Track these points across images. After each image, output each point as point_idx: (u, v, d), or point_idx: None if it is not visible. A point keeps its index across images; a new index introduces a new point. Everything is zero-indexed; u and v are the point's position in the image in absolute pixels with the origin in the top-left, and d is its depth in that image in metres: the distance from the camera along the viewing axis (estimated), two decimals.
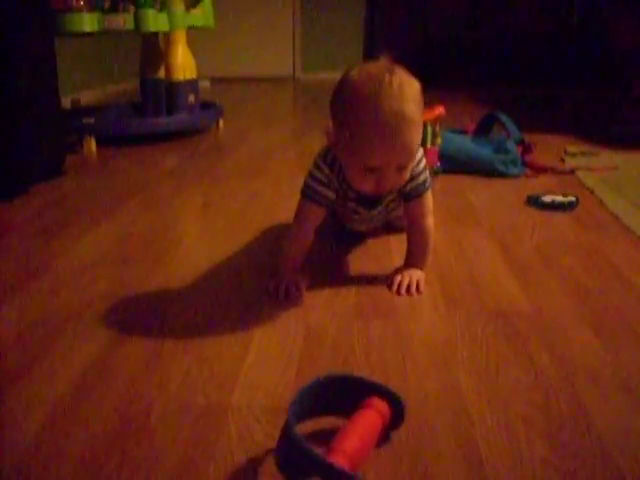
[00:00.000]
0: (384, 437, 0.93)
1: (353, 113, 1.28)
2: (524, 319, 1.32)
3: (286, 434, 0.84)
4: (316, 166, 1.46)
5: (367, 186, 1.35)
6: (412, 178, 1.43)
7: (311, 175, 1.46)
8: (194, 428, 0.98)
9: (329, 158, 1.44)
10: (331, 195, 1.47)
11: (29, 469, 0.89)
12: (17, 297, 1.44)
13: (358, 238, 1.76)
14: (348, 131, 1.29)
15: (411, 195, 1.47)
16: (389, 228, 1.78)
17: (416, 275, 1.47)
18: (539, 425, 0.97)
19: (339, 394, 0.96)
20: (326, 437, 0.88)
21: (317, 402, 0.94)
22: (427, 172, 1.47)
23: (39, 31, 2.32)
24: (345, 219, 1.66)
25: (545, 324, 1.30)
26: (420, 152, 1.43)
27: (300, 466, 0.80)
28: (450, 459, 0.90)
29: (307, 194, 1.47)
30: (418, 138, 1.30)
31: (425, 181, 1.46)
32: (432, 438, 0.94)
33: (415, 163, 1.41)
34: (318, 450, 0.80)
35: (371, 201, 1.52)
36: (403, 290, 1.45)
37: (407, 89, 1.27)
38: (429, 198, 1.49)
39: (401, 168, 1.32)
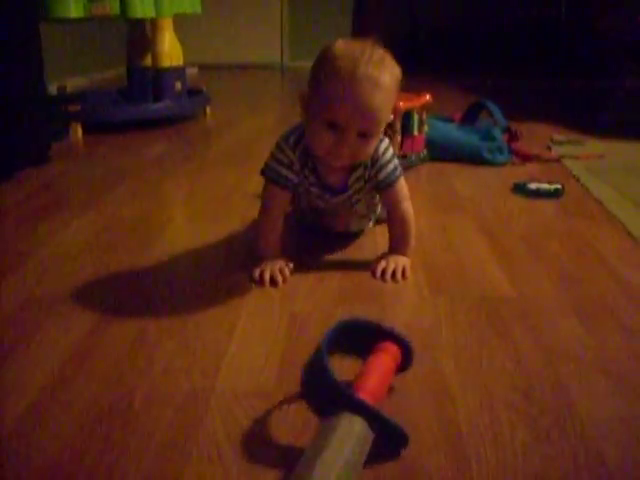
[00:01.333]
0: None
1: (329, 68, 1.31)
2: (508, 305, 1.32)
3: (320, 366, 0.92)
4: (278, 147, 1.46)
5: (323, 144, 1.33)
6: (381, 168, 1.45)
7: (273, 156, 1.47)
8: (177, 413, 0.98)
9: (292, 139, 1.45)
10: (292, 177, 1.47)
11: (12, 454, 0.89)
12: (2, 283, 1.43)
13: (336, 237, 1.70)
14: (320, 86, 1.32)
15: (383, 184, 1.48)
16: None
17: (401, 261, 1.48)
18: (521, 410, 0.98)
19: (357, 336, 1.04)
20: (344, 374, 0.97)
21: (340, 341, 1.02)
22: (396, 161, 1.48)
23: (23, 17, 2.30)
24: (311, 207, 1.62)
25: (529, 310, 1.30)
26: (386, 142, 1.46)
27: (329, 399, 0.88)
28: (432, 443, 0.90)
29: (269, 175, 1.48)
30: (386, 109, 1.32)
31: (395, 169, 1.47)
32: (415, 423, 0.95)
33: (381, 153, 1.44)
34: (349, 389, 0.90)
35: (335, 188, 1.51)
36: (388, 276, 1.45)
37: (386, 63, 1.31)
38: (402, 185, 1.49)
39: (363, 135, 1.32)
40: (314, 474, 0.76)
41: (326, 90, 1.30)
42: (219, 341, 1.18)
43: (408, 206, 1.51)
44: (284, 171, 1.46)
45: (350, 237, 1.68)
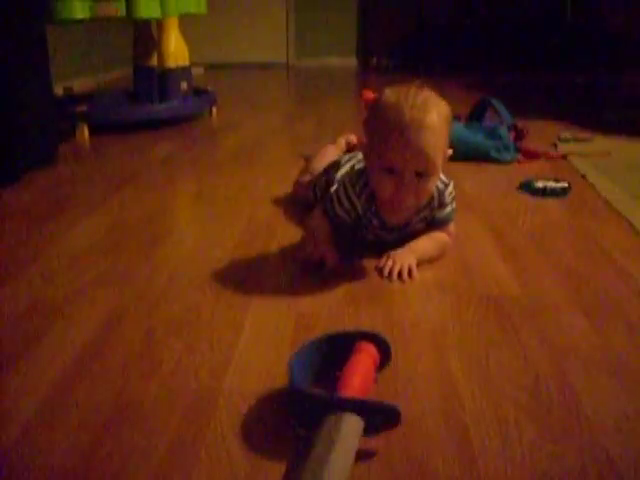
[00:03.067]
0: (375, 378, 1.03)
1: (379, 119, 1.40)
2: (515, 303, 1.33)
3: (293, 390, 0.96)
4: (344, 190, 1.53)
5: (387, 190, 1.41)
6: (441, 205, 1.53)
7: (337, 196, 1.54)
8: (186, 413, 0.98)
9: (359, 186, 1.51)
10: (346, 218, 1.55)
11: (22, 455, 0.89)
12: (9, 285, 1.44)
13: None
14: (375, 136, 1.41)
15: (437, 222, 1.56)
16: None
17: (407, 260, 1.48)
18: (528, 408, 0.98)
19: (333, 350, 1.06)
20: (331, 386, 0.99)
21: (315, 361, 1.05)
22: (454, 204, 1.56)
23: (29, 19, 2.31)
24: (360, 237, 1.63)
25: (536, 308, 1.31)
26: (451, 186, 1.54)
27: (315, 411, 0.91)
28: (440, 442, 0.91)
29: (328, 211, 1.56)
30: (437, 147, 1.37)
31: (452, 212, 1.56)
32: (422, 421, 0.95)
33: (443, 188, 1.52)
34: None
35: (394, 228, 1.56)
36: (394, 275, 1.45)
37: (431, 103, 1.37)
38: (452, 226, 1.59)
39: (420, 175, 1.38)
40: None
41: (379, 140, 1.39)
42: (227, 341, 1.19)
43: (448, 239, 1.58)
44: (342, 214, 1.54)
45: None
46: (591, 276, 1.46)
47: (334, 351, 1.06)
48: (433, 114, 1.35)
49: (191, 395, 1.02)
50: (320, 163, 1.96)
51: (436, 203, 1.52)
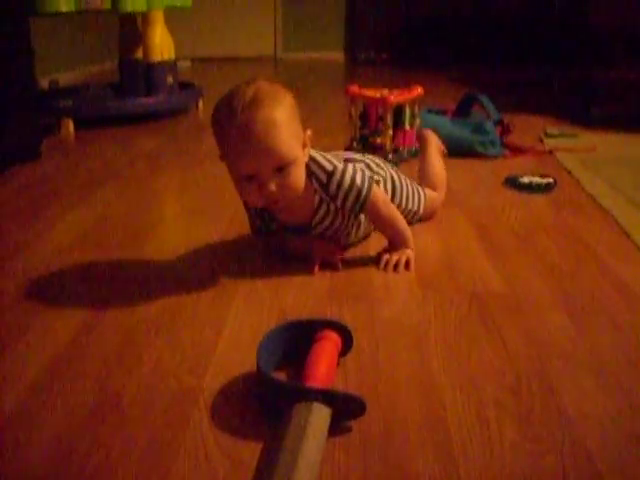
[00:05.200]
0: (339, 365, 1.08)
1: (218, 128, 1.32)
2: (498, 301, 1.32)
3: (262, 378, 0.99)
4: (245, 207, 1.51)
5: (253, 197, 1.33)
6: (345, 198, 1.42)
7: (245, 208, 1.52)
8: (166, 411, 0.97)
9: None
10: (262, 226, 1.52)
11: (1, 454, 0.89)
12: None
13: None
14: (223, 147, 1.33)
15: (356, 209, 1.46)
16: None
17: (405, 254, 1.49)
18: (510, 408, 0.97)
19: (297, 337, 1.10)
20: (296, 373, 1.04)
21: (280, 348, 1.08)
22: (358, 179, 1.42)
23: (11, 11, 2.29)
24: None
25: (519, 305, 1.30)
26: (338, 171, 1.41)
27: (283, 399, 0.94)
28: (420, 442, 0.90)
29: (253, 231, 1.56)
30: (283, 138, 1.27)
31: (360, 191, 1.42)
32: (402, 421, 0.95)
33: (336, 185, 1.40)
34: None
35: (297, 228, 1.50)
36: (390, 268, 1.47)
37: (261, 96, 1.27)
38: (376, 195, 1.45)
39: (279, 169, 1.29)
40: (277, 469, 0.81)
41: (227, 149, 1.32)
42: (208, 339, 1.18)
43: (388, 208, 1.49)
44: (256, 222, 1.52)
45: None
46: (575, 273, 1.45)
47: (297, 338, 1.09)
48: (265, 107, 1.25)
49: (171, 394, 1.02)
50: None
51: (324, 195, 1.42)
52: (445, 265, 1.50)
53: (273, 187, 1.29)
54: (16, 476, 0.85)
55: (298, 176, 1.33)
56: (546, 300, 1.33)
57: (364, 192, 1.42)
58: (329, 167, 1.41)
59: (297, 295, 1.36)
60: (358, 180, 1.42)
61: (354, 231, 1.56)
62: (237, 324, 1.24)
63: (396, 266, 1.47)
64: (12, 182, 2.19)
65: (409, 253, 1.50)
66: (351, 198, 1.42)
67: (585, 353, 1.13)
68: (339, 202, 1.43)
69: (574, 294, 1.35)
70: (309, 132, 1.37)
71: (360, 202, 1.43)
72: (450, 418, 0.95)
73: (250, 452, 0.88)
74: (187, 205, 1.99)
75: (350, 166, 1.43)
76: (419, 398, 1.00)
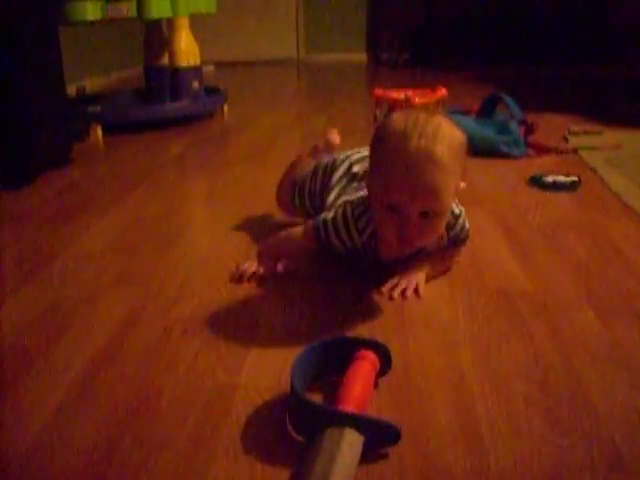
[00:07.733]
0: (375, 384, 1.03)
1: (383, 149, 1.21)
2: (525, 298, 1.34)
3: (295, 398, 0.95)
4: (345, 223, 1.37)
5: (389, 229, 1.23)
6: (457, 237, 1.42)
7: (335, 226, 1.38)
8: (203, 409, 1.00)
9: (362, 222, 1.36)
10: (340, 249, 1.42)
11: (44, 452, 0.92)
12: (28, 285, 1.47)
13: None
14: (378, 166, 1.23)
15: (454, 245, 1.45)
16: None
17: (415, 278, 1.40)
18: (538, 402, 0.99)
19: (333, 356, 1.06)
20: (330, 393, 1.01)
21: (315, 367, 1.04)
22: (466, 228, 1.43)
23: (43, 20, 2.34)
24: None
25: (546, 303, 1.32)
26: (462, 218, 1.40)
27: (315, 421, 0.90)
28: (451, 436, 0.93)
29: (318, 235, 1.40)
30: (447, 184, 1.17)
31: (468, 232, 1.44)
32: (433, 416, 0.97)
33: (453, 223, 1.38)
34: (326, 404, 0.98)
35: (388, 264, 1.44)
36: (396, 294, 1.37)
37: (443, 133, 1.18)
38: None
39: (426, 214, 1.19)
40: None
41: (382, 172, 1.21)
42: (242, 339, 1.21)
43: (456, 258, 1.50)
44: (336, 242, 1.40)
45: None
46: (601, 271, 1.47)
47: (333, 357, 1.06)
48: (444, 145, 1.15)
49: (207, 393, 1.04)
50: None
51: (445, 242, 1.41)
52: (472, 263, 1.52)
53: (417, 229, 1.20)
54: (58, 474, 0.88)
55: (441, 227, 1.27)
56: (572, 297, 1.34)
57: (469, 233, 1.45)
58: (457, 210, 1.39)
59: (326, 295, 1.39)
60: (467, 226, 1.43)
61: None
62: (270, 323, 1.27)
63: (404, 292, 1.37)
64: (43, 188, 2.23)
65: (420, 277, 1.40)
66: (462, 238, 1.44)
67: (611, 348, 1.14)
68: (449, 241, 1.42)
69: (600, 291, 1.37)
70: (463, 185, 1.27)
71: (463, 241, 1.46)
72: (480, 411, 0.97)
73: (287, 450, 0.91)
74: (216, 209, 2.02)
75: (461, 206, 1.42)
76: (449, 392, 1.03)
